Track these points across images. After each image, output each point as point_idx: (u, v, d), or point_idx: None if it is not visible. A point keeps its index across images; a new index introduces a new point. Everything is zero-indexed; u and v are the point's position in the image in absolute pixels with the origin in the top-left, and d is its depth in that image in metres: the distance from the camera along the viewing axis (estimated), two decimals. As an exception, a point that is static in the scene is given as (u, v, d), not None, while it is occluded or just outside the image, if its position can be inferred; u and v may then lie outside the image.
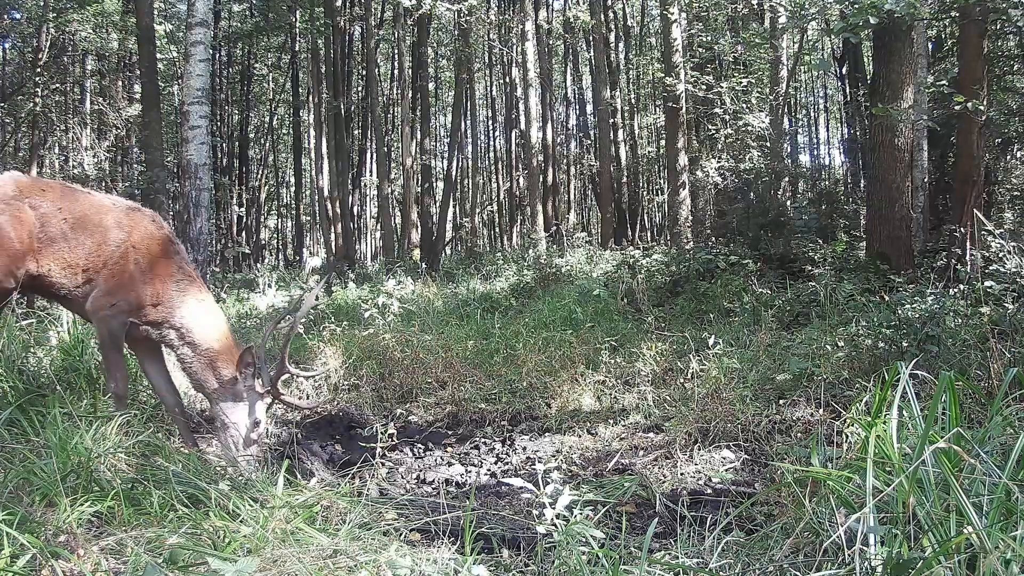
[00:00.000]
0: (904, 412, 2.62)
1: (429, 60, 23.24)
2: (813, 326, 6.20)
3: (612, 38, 23.06)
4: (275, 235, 33.42)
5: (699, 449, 4.16)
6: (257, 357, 3.83)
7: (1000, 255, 5.62)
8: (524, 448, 4.65)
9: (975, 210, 6.52)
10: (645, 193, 25.43)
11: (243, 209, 23.46)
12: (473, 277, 12.91)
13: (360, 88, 24.31)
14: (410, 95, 20.78)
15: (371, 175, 24.64)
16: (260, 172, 26.55)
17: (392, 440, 4.67)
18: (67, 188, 3.83)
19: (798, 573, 2.23)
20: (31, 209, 3.54)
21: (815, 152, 28.78)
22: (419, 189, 19.93)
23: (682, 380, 5.26)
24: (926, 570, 1.91)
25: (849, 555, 2.07)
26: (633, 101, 25.63)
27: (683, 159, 12.89)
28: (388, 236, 18.59)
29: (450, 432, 5.12)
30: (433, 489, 3.94)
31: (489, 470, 4.33)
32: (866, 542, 2.07)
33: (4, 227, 3.43)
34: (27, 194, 3.57)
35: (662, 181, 24.40)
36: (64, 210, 3.64)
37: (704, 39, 14.71)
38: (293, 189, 28.24)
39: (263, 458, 3.82)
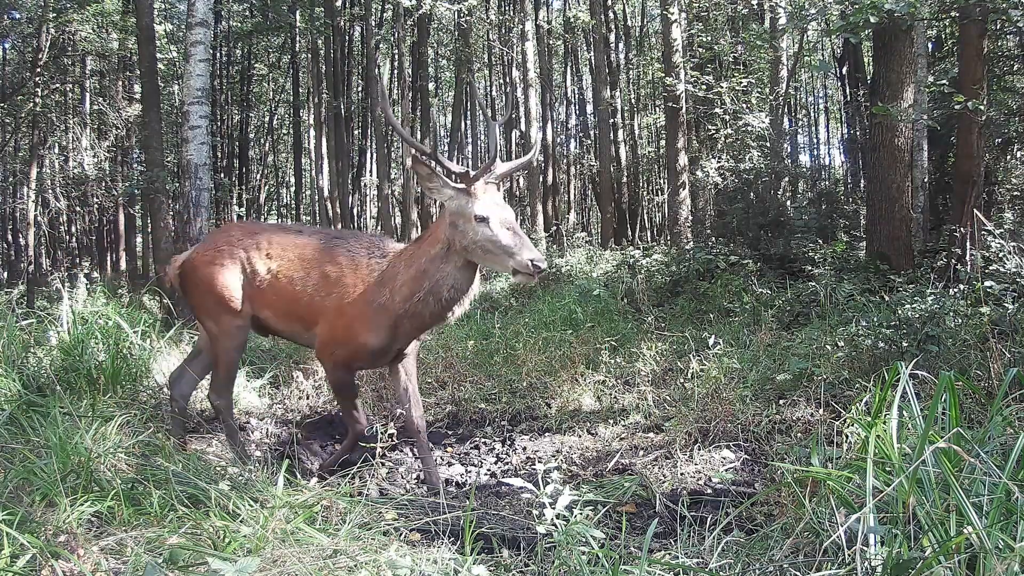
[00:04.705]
0: (904, 412, 2.62)
1: (429, 60, 23.22)
2: (813, 326, 6.20)
3: (612, 38, 23.04)
4: (275, 235, 33.36)
5: (699, 449, 4.15)
6: (427, 155, 3.46)
7: (1000, 255, 5.62)
8: (524, 448, 4.65)
9: (975, 210, 6.51)
10: (645, 193, 25.40)
11: (243, 209, 23.40)
12: (473, 277, 12.87)
13: (360, 88, 24.30)
14: (410, 95, 20.75)
15: (371, 175, 24.61)
16: (260, 172, 26.51)
17: (392, 440, 4.68)
18: (276, 234, 3.93)
19: (798, 573, 2.23)
20: (245, 255, 3.77)
21: (815, 152, 28.77)
22: (419, 189, 19.89)
23: (682, 380, 5.26)
24: (926, 570, 1.91)
25: (849, 555, 2.07)
26: (633, 101, 25.61)
27: (683, 159, 12.88)
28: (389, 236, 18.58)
29: (450, 432, 5.12)
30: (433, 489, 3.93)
31: (489, 470, 4.33)
32: (866, 542, 2.07)
33: (216, 275, 3.73)
34: (241, 243, 3.79)
35: (662, 181, 24.35)
36: (273, 258, 3.79)
37: (704, 39, 14.69)
38: (293, 189, 28.22)
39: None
